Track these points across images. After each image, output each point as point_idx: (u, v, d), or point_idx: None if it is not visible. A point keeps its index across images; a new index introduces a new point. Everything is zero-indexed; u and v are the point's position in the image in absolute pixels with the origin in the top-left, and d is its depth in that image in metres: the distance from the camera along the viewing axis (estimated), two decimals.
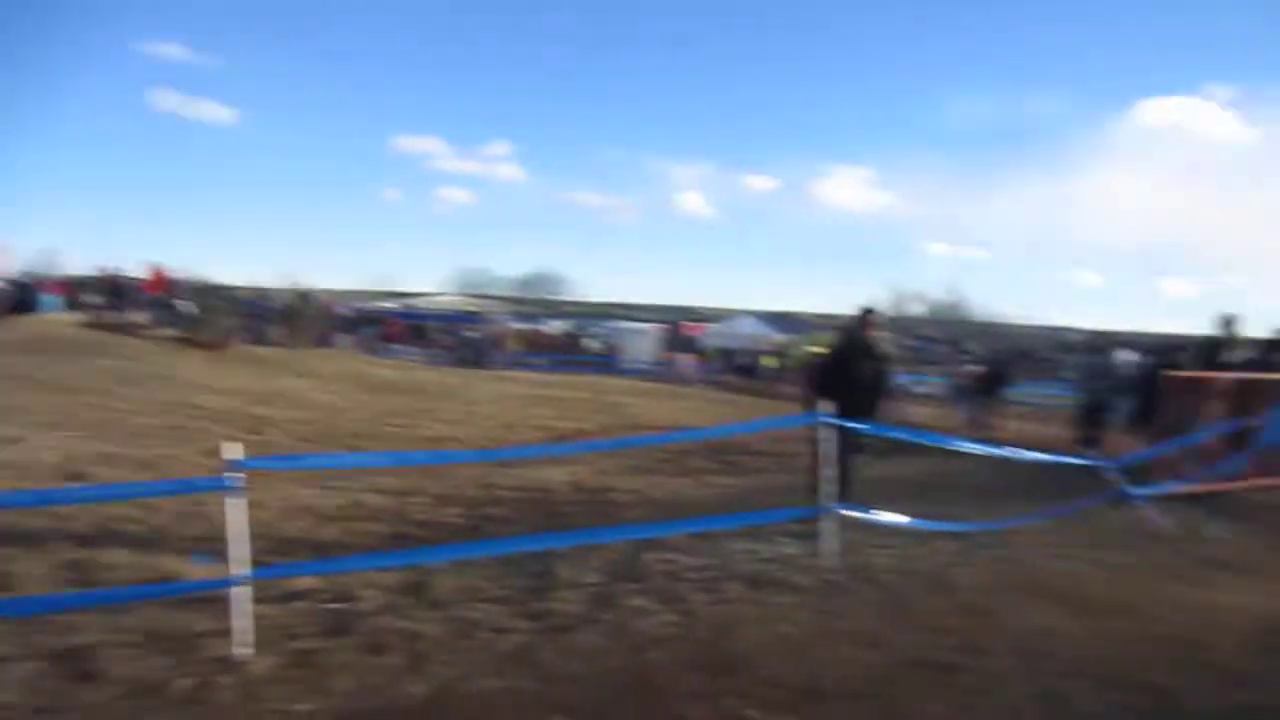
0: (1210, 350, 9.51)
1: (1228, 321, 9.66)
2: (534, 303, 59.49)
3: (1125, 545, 6.43)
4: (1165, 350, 13.56)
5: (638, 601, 5.09)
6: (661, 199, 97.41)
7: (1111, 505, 7.42)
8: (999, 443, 15.10)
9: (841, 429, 6.16)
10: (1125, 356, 30.34)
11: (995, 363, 22.82)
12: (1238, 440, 8.68)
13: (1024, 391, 29.98)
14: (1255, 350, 10.00)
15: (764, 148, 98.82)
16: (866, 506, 6.49)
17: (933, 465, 10.76)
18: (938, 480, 9.94)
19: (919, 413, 22.62)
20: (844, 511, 6.25)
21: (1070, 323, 56.72)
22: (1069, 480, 8.10)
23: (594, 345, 40.52)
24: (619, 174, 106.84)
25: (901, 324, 59.37)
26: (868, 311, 7.50)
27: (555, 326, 45.17)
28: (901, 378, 34.43)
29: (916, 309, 61.85)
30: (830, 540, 5.89)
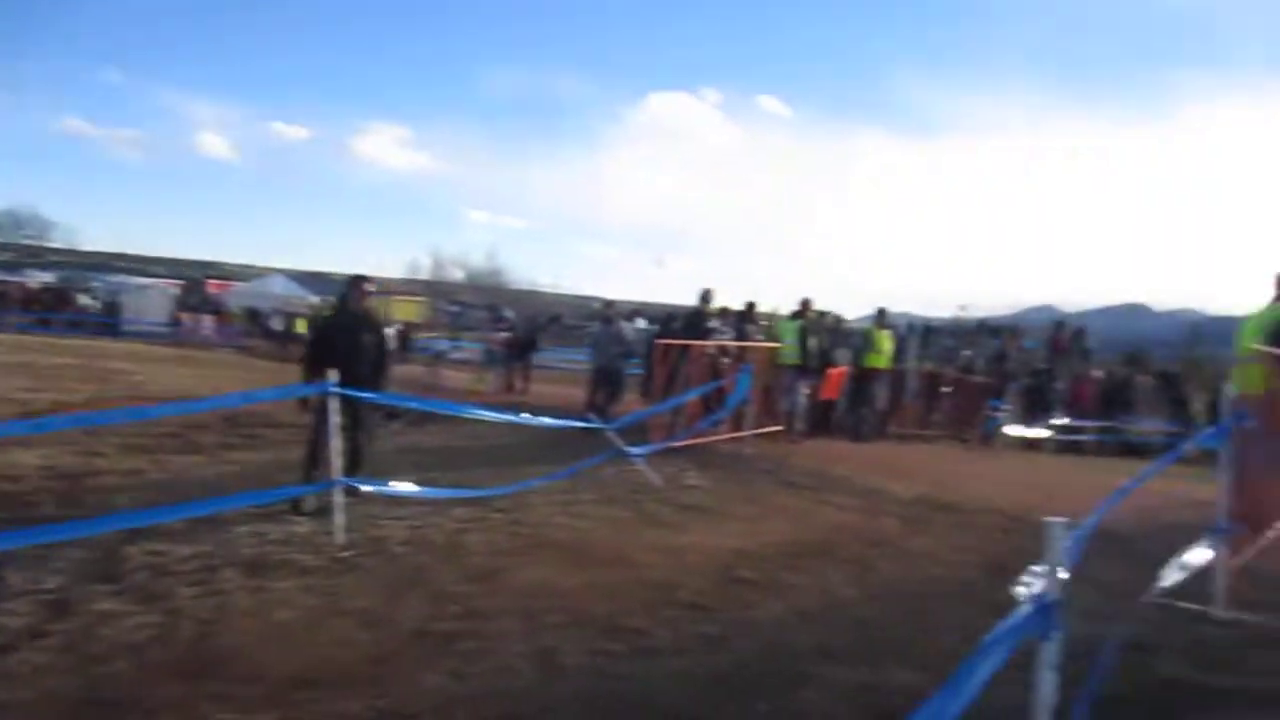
0: (694, 320, 10.84)
1: (705, 295, 11.08)
2: (7, 249, 49.55)
3: (623, 499, 7.05)
4: (666, 320, 15.29)
5: (108, 605, 4.33)
6: (174, 137, 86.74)
7: (614, 464, 8.14)
8: (526, 407, 15.82)
9: (346, 399, 5.85)
10: (638, 325, 33.64)
11: (525, 329, 24.01)
12: (715, 399, 10.05)
13: (552, 357, 32.12)
14: (730, 321, 11.63)
15: (295, 94, 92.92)
16: (384, 478, 6.33)
17: (458, 432, 10.93)
18: (461, 447, 10.11)
19: (456, 378, 23.13)
20: (359, 486, 6.02)
21: (596, 292, 62.00)
22: (580, 442, 8.74)
23: (90, 303, 34.91)
24: (120, 102, 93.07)
25: (441, 289, 60.11)
26: (359, 279, 7.10)
27: (38, 279, 38.13)
28: (440, 344, 34.80)
29: (456, 274, 62.96)
30: (342, 516, 5.60)
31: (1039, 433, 18.27)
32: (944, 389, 15.88)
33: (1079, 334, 40.47)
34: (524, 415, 7.87)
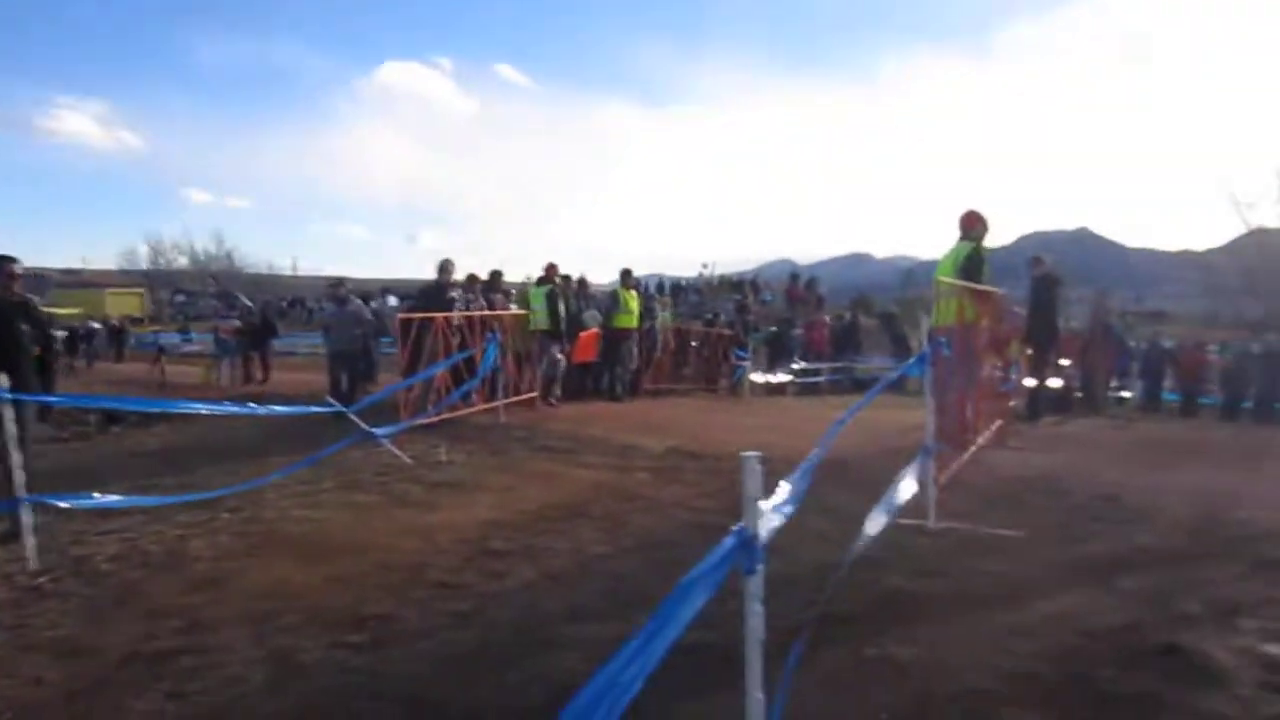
0: (434, 293, 10.47)
1: (443, 266, 10.73)
2: None
3: (369, 484, 6.68)
4: (418, 296, 14.67)
5: None
6: None
7: (360, 448, 7.72)
8: (265, 398, 14.72)
9: (18, 405, 5.04)
10: (390, 302, 32.26)
11: (261, 315, 22.34)
12: (466, 370, 9.78)
13: (295, 342, 30.21)
14: (476, 290, 11.36)
15: None
16: (89, 490, 5.59)
17: (186, 432, 10.01)
18: (190, 447, 9.26)
19: (188, 373, 21.14)
20: (57, 502, 5.26)
21: (345, 273, 58.96)
22: (325, 430, 8.22)
23: None
24: None
25: (164, 278, 54.75)
26: (3, 260, 5.86)
27: None
28: (169, 337, 31.67)
29: (180, 261, 57.73)
30: (33, 538, 4.87)
31: (781, 378, 19.53)
32: (693, 344, 16.46)
33: (811, 284, 43.68)
34: (251, 406, 7.23)
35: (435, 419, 9.03)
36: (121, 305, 43.73)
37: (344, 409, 7.63)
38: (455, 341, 9.99)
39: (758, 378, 18.16)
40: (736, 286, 47.68)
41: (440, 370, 9.19)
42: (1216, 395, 18.48)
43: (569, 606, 3.79)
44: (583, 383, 13.69)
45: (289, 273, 60.75)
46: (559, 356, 11.27)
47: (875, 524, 3.44)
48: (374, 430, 7.54)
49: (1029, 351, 10.94)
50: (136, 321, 40.76)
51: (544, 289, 11.33)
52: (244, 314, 22.79)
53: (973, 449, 6.33)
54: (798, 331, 22.51)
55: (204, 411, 6.98)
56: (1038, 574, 3.77)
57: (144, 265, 56.64)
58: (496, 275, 12.23)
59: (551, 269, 11.81)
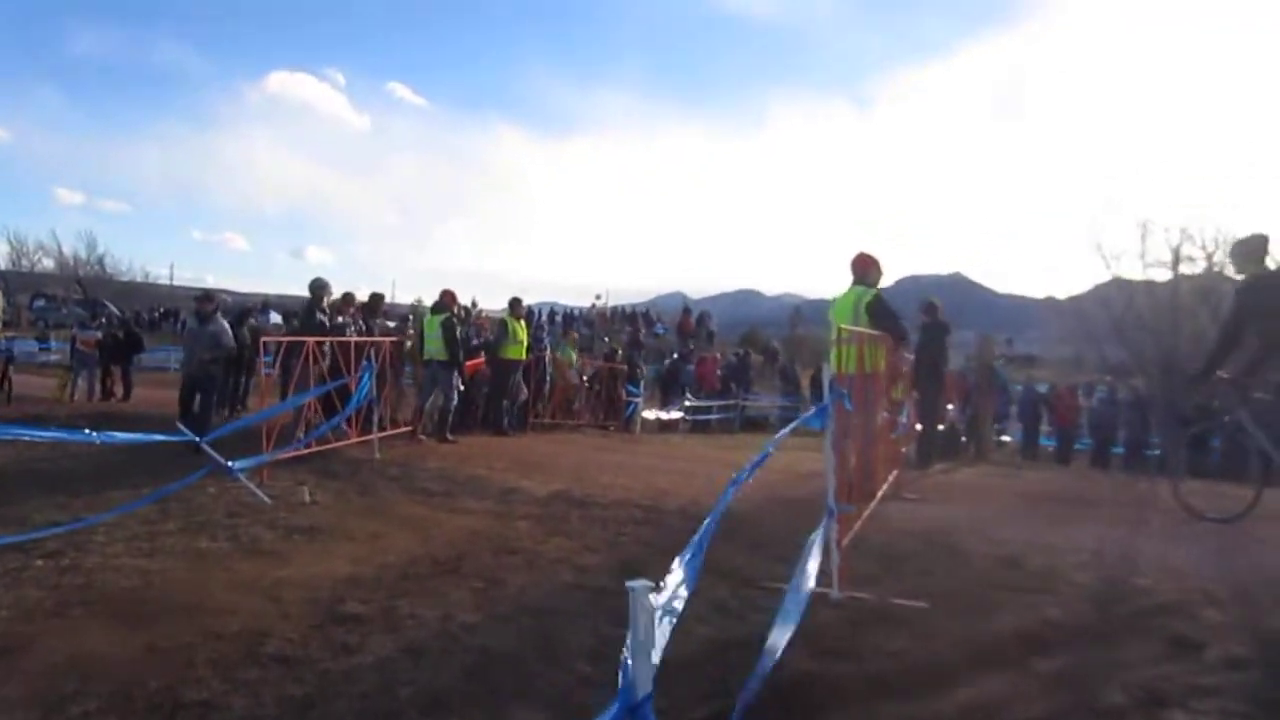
0: (308, 315, 9.80)
1: (317, 286, 10.07)
2: None
3: (218, 526, 5.98)
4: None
5: None
6: None
7: (216, 483, 7.00)
8: (119, 417, 13.53)
9: None
10: (273, 319, 30.67)
11: (124, 326, 20.82)
12: (339, 400, 9.10)
13: (164, 356, 28.30)
14: (351, 314, 10.66)
15: None
16: None
17: (20, 454, 8.99)
18: (18, 472, 8.29)
19: (41, 384, 19.38)
20: None
21: (226, 285, 56.32)
22: (179, 460, 7.44)
23: None
24: None
25: (25, 281, 50.90)
26: None
27: None
28: (24, 344, 29.33)
29: (45, 263, 53.88)
30: None
31: (674, 414, 19.32)
32: (584, 376, 16.05)
33: (703, 318, 43.88)
34: (88, 433, 6.42)
35: (302, 452, 8.32)
36: None
37: (195, 439, 6.87)
38: (326, 367, 9.32)
39: (649, 414, 17.89)
40: (630, 318, 47.73)
41: (308, 399, 8.50)
42: (1088, 439, 19.25)
43: (428, 690, 3.27)
44: (466, 415, 13.12)
45: (165, 281, 57.40)
46: (460, 388, 10.68)
47: (789, 613, 3.08)
48: (228, 464, 6.82)
49: (916, 396, 10.98)
50: None
51: (439, 316, 10.75)
52: (107, 324, 21.20)
53: (873, 503, 6.12)
54: (690, 367, 22.44)
55: (25, 437, 6.15)
56: (949, 654, 3.48)
57: (3, 265, 52.60)
58: (376, 299, 11.59)
59: (449, 296, 11.22)
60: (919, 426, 10.62)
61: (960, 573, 4.82)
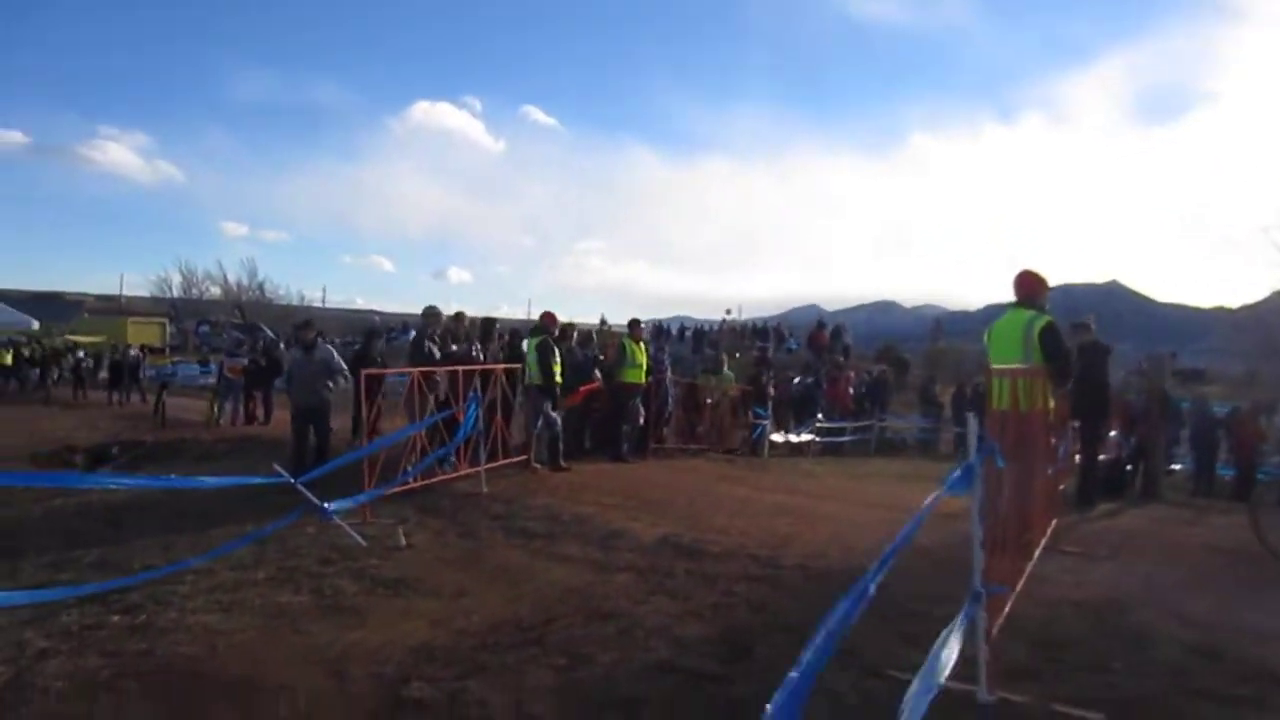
0: (418, 344, 9.58)
1: (429, 313, 9.83)
2: None
3: (307, 574, 5.65)
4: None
5: None
6: None
7: (315, 523, 6.74)
8: (255, 442, 13.76)
9: None
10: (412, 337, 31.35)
11: (265, 353, 21.54)
12: (447, 431, 8.80)
13: None
14: (461, 335, 10.36)
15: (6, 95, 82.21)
16: None
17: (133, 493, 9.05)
18: (153, 502, 8.33)
19: (192, 408, 20.33)
20: None
21: (372, 306, 58.97)
22: (287, 491, 7.24)
23: None
24: None
25: (193, 308, 54.54)
26: None
27: None
28: (185, 369, 31.09)
29: (212, 291, 57.64)
30: None
31: (804, 437, 18.38)
32: (707, 400, 15.39)
33: (837, 331, 42.33)
34: (174, 478, 6.25)
35: (411, 485, 8.05)
36: (142, 334, 43.30)
37: (290, 479, 6.61)
38: (438, 398, 9.07)
39: (778, 437, 17.05)
40: (761, 333, 46.64)
41: (412, 432, 8.19)
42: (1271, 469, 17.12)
43: None
44: (581, 441, 12.69)
45: (319, 304, 60.37)
46: (552, 413, 10.23)
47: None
48: (323, 505, 6.52)
49: (1076, 425, 9.78)
50: (157, 351, 40.26)
51: (536, 339, 10.35)
52: (251, 350, 22.07)
53: (1029, 564, 5.21)
54: (822, 385, 21.41)
55: (116, 485, 6.03)
56: None
57: (176, 294, 56.72)
58: (489, 324, 11.23)
59: (548, 317, 10.82)
60: (1079, 460, 9.45)
61: (1145, 668, 3.90)
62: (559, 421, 10.46)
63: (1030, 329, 6.21)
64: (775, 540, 6.51)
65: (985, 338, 6.68)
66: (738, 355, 23.03)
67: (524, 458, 10.27)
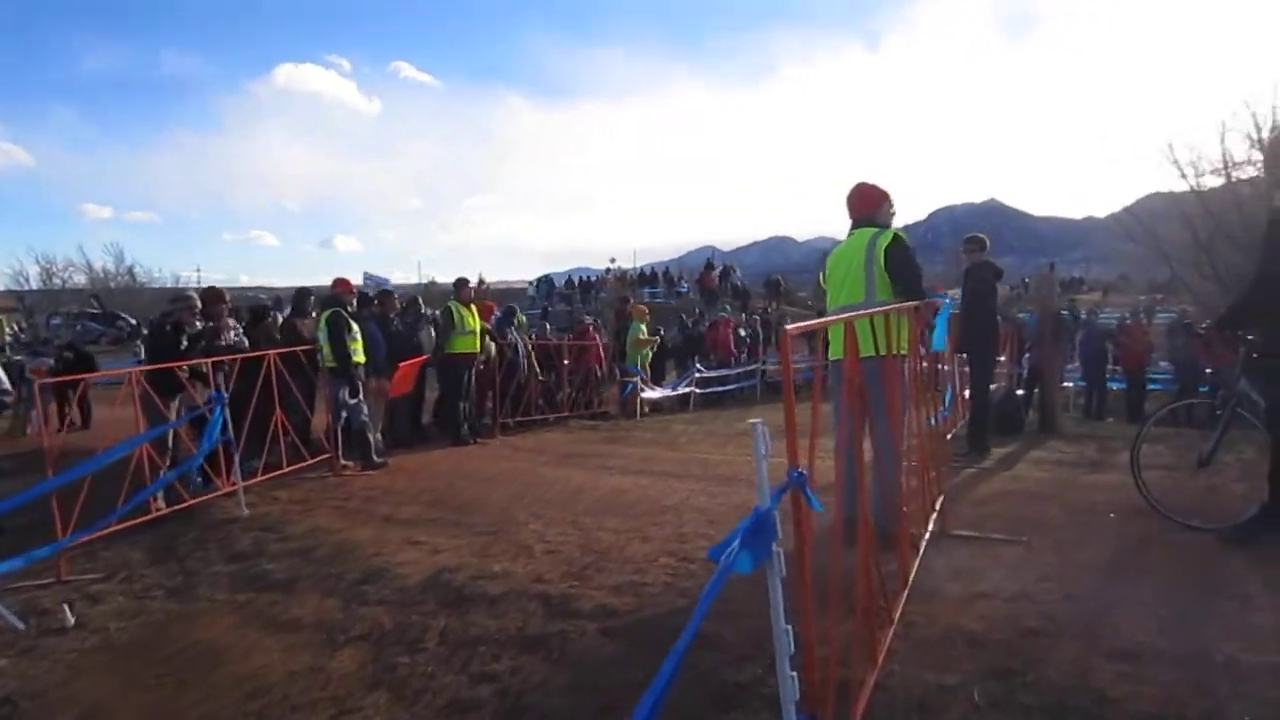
0: (155, 337, 7.61)
1: (175, 299, 7.84)
2: None
3: None
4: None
5: None
6: None
7: None
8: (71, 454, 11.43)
9: None
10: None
11: (73, 348, 18.84)
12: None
13: None
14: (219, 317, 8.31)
15: None
16: None
17: None
18: None
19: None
20: None
21: (259, 282, 55.16)
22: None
23: None
24: None
25: (58, 299, 49.48)
26: None
27: None
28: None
29: (78, 279, 52.58)
30: None
31: (680, 390, 16.94)
32: (564, 362, 13.72)
33: (727, 272, 41.04)
34: None
35: (149, 517, 6.21)
36: None
37: None
38: (177, 402, 7.18)
39: (653, 394, 15.53)
40: (649, 279, 45.00)
41: (118, 455, 6.25)
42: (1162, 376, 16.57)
43: None
44: (418, 421, 10.92)
45: (194, 285, 55.92)
46: (350, 401, 8.40)
47: None
48: None
49: (963, 362, 8.51)
50: None
51: (326, 314, 8.46)
52: (58, 348, 19.31)
53: (911, 572, 3.75)
54: (704, 330, 20.00)
55: None
56: None
57: (35, 285, 51.52)
58: (214, 292, 8.87)
59: (340, 285, 8.90)
60: (969, 401, 8.19)
61: None
62: (364, 410, 8.65)
63: (874, 247, 4.79)
64: (585, 561, 4.90)
65: (820, 277, 5.22)
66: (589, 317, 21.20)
67: (326, 457, 8.48)
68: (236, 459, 6.97)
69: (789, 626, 1.83)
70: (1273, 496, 4.59)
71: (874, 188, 5.10)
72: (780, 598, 1.81)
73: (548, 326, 20.96)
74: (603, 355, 14.97)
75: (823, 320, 2.74)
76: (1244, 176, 17.13)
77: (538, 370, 12.79)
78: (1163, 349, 16.81)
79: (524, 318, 15.21)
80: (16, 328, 42.27)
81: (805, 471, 1.94)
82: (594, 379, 14.40)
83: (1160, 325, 19.40)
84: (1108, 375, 16.31)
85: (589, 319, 15.51)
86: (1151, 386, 16.13)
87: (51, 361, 17.29)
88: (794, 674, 1.85)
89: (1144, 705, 2.81)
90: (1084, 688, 2.95)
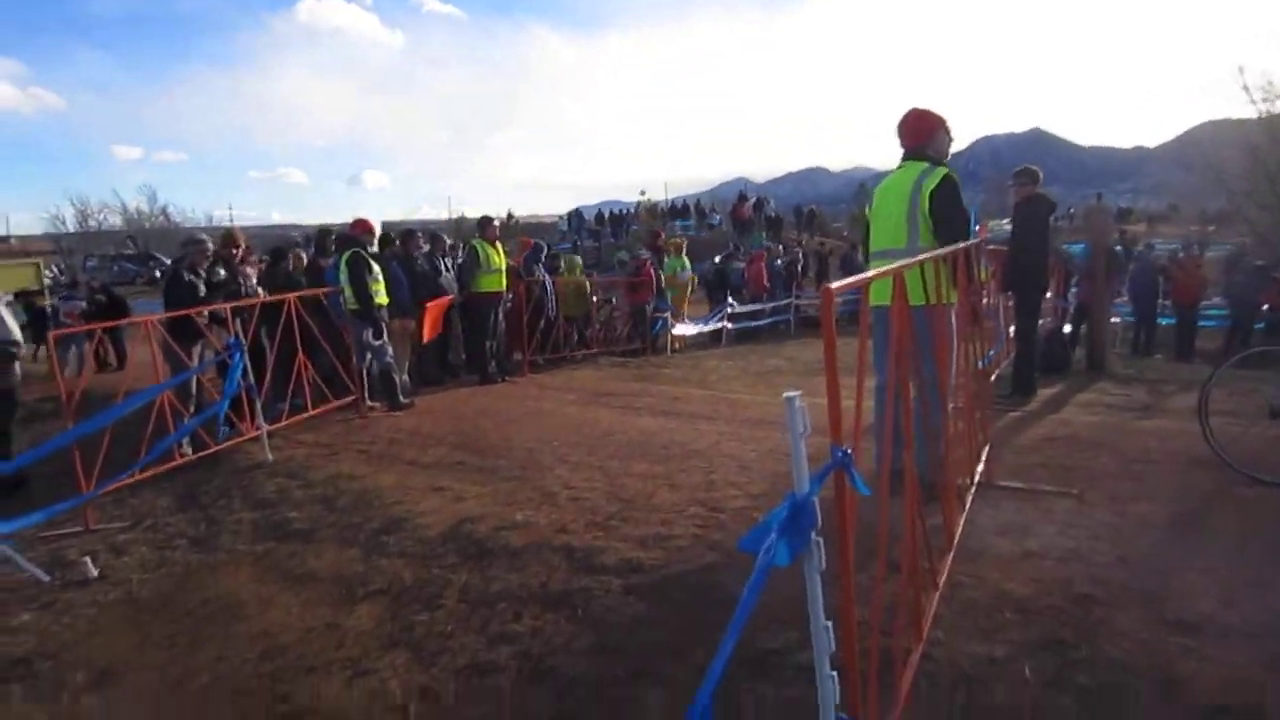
0: (173, 282, 7.45)
1: (188, 243, 7.66)
2: None
3: None
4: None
5: None
6: None
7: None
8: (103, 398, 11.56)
9: None
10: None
11: (107, 291, 18.91)
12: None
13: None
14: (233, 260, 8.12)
15: None
16: None
17: None
18: None
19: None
20: None
21: (288, 219, 55.21)
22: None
23: None
24: None
25: (95, 241, 49.95)
26: None
27: None
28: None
29: (113, 220, 53.04)
30: None
31: (712, 326, 16.66)
32: (595, 298, 13.48)
33: (760, 203, 40.18)
34: None
35: (174, 464, 6.18)
36: (11, 279, 39.31)
37: None
38: (200, 348, 7.08)
39: (684, 329, 15.27)
40: (679, 211, 44.27)
41: (139, 403, 6.16)
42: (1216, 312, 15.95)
43: None
44: (444, 359, 10.78)
45: (227, 224, 56.23)
46: (374, 342, 8.25)
47: None
48: None
49: (1011, 301, 8.14)
50: (34, 294, 36.51)
51: (346, 254, 8.25)
52: (89, 290, 19.35)
53: (956, 537, 3.53)
54: (739, 265, 19.60)
55: None
56: None
57: (72, 228, 52.03)
58: (230, 235, 8.68)
59: (360, 225, 8.67)
60: (1015, 342, 7.84)
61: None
62: (389, 351, 8.50)
63: (919, 190, 4.44)
64: (611, 510, 4.72)
65: (866, 209, 4.88)
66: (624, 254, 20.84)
67: (352, 399, 8.38)
68: (259, 404, 6.86)
69: (829, 623, 1.61)
70: None
71: (928, 113, 4.72)
72: (819, 593, 1.59)
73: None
74: (656, 292, 14.69)
75: (869, 275, 2.46)
76: None
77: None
78: (1218, 284, 16.18)
79: (579, 259, 14.94)
80: (55, 270, 42.67)
81: (850, 451, 1.70)
82: (645, 317, 14.14)
83: (1213, 259, 18.70)
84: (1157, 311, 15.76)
85: (646, 254, 15.14)
86: (1203, 324, 15.55)
87: (84, 304, 17.38)
88: (834, 674, 1.64)
89: (1213, 687, 2.58)
90: (1145, 666, 2.72)
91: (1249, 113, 16.71)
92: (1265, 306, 14.50)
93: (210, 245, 7.61)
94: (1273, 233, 16.53)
